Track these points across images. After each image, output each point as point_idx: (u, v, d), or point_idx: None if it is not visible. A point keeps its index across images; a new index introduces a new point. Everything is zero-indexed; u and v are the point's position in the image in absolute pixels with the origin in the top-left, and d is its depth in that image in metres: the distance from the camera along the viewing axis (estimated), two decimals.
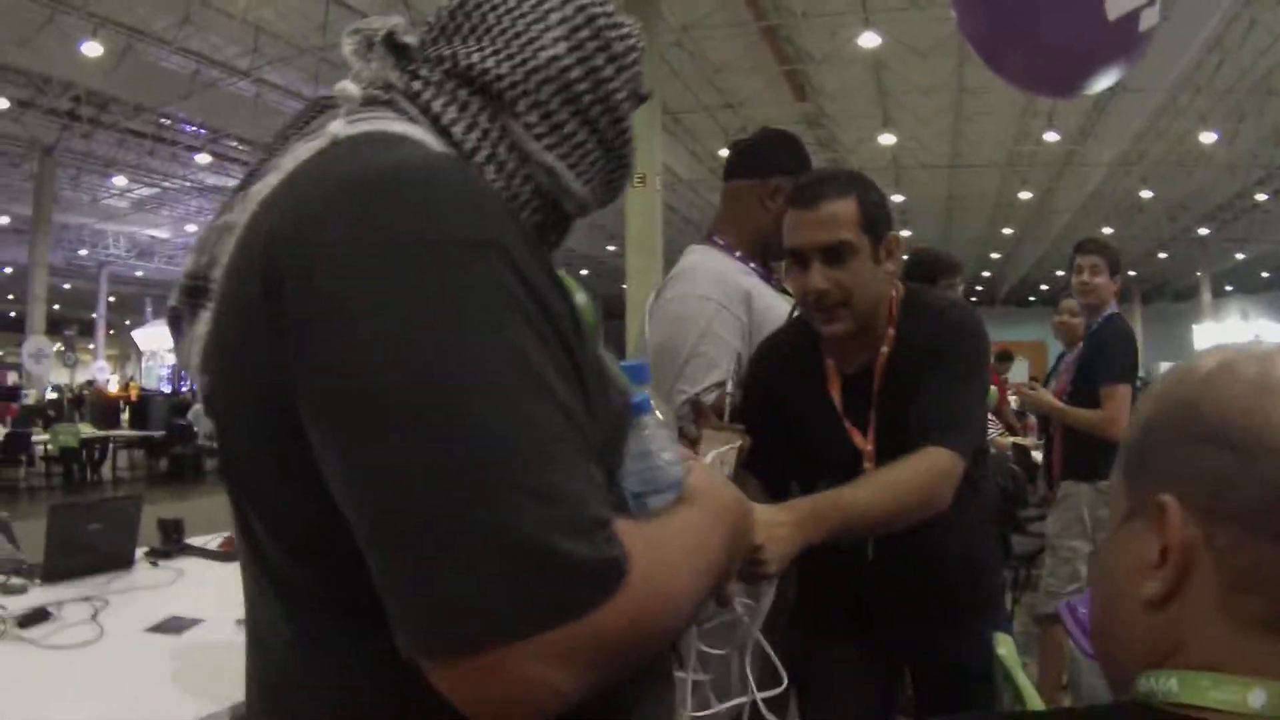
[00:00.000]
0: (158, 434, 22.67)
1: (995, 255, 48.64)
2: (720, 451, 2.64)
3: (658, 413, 1.46)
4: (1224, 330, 35.59)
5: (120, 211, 36.51)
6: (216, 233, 1.41)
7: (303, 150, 1.39)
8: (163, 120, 25.21)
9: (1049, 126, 26.07)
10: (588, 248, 39.30)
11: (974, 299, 60.92)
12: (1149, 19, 4.37)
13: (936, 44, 19.57)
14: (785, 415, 3.03)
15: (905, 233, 39.04)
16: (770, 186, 3.65)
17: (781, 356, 3.17)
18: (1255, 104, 24.21)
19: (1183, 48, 18.75)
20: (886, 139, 27.24)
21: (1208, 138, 26.40)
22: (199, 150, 27.94)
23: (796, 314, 3.23)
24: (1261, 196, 33.53)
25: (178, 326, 1.47)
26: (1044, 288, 56.45)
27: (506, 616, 1.06)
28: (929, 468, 2.68)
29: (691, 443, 2.74)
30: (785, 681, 2.35)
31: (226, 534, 5.02)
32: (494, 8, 1.56)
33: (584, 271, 41.57)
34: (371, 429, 1.12)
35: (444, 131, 1.47)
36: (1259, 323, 36.51)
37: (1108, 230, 38.15)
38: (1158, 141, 27.53)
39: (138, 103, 23.65)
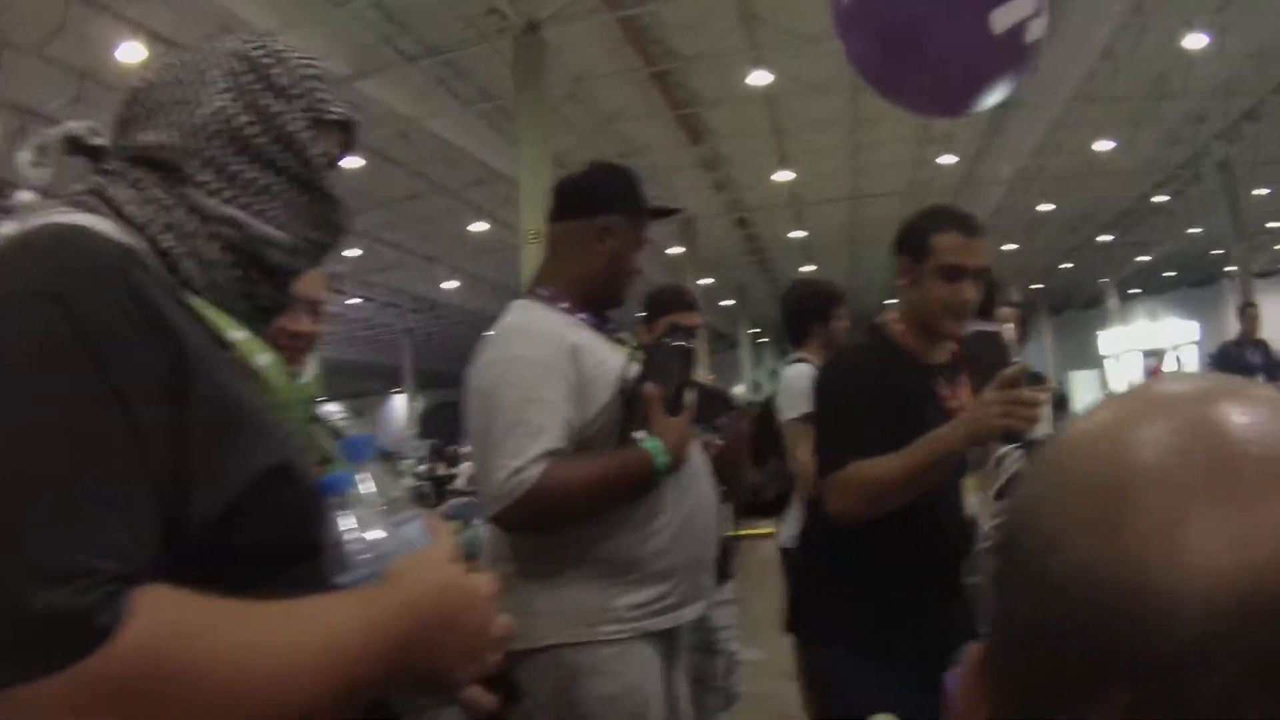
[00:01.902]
0: None
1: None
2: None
3: (361, 490, 1.45)
4: (1132, 333, 36.09)
5: None
6: None
7: None
8: None
9: (945, 150, 26.32)
10: (496, 309, 39.06)
11: None
12: (1036, 30, 4.34)
13: (829, 78, 19.60)
14: (904, 411, 3.47)
15: (810, 266, 39.32)
16: (598, 225, 3.45)
17: (881, 363, 3.70)
18: (1150, 109, 24.55)
19: (1075, 59, 18.95)
20: (784, 175, 27.23)
21: (1104, 146, 26.79)
22: None
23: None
24: (1160, 199, 34.03)
25: None
26: None
27: None
28: None
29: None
30: None
31: None
32: (158, 85, 1.60)
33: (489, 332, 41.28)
34: None
35: (118, 213, 1.49)
36: (1168, 320, 37.06)
37: (1011, 246, 38.54)
38: (1055, 155, 27.81)
39: None
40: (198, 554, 1.24)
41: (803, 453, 5.69)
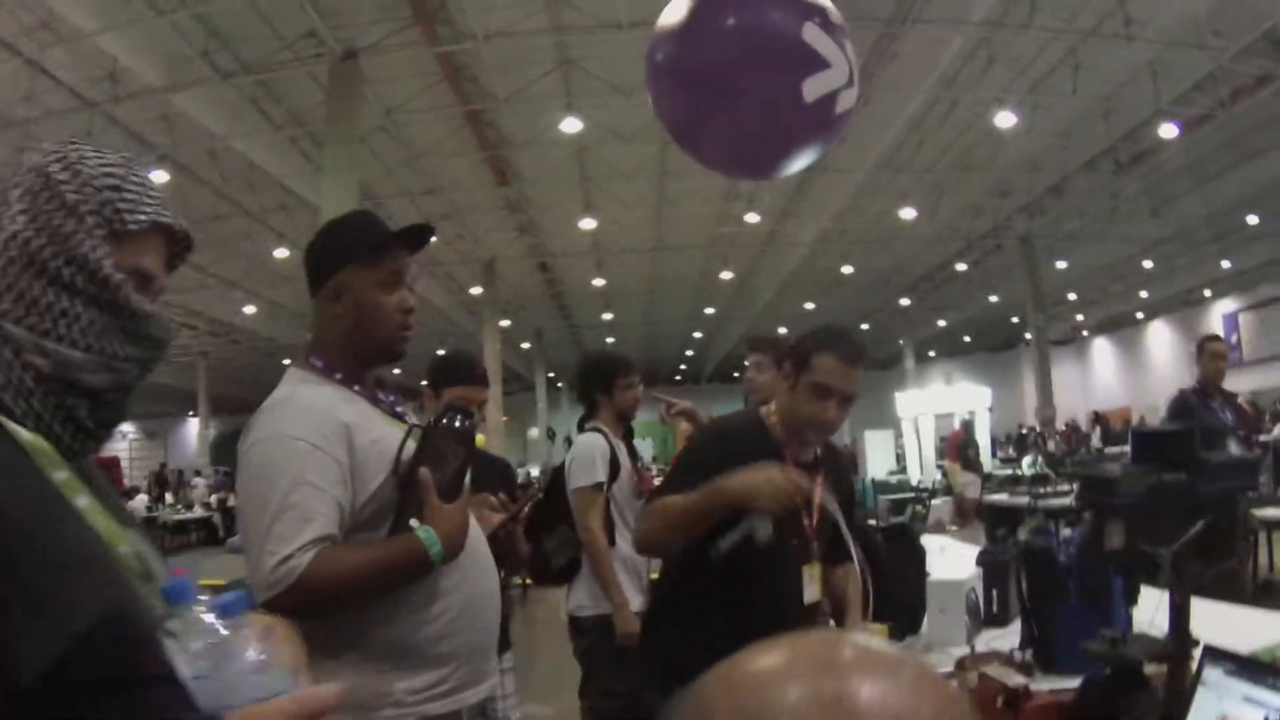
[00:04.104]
0: None
1: (698, 334, 49.50)
2: None
3: (191, 638, 1.34)
4: (927, 395, 36.66)
5: None
6: None
7: None
8: None
9: (750, 208, 26.68)
10: (294, 337, 38.59)
11: (679, 379, 61.97)
12: (846, 100, 4.32)
13: (639, 129, 19.84)
14: None
15: (607, 315, 39.51)
16: (330, 290, 3.23)
17: (741, 444, 4.01)
18: (954, 180, 25.25)
19: (884, 128, 19.32)
20: (588, 223, 27.48)
21: (908, 214, 27.35)
22: None
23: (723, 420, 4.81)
24: (961, 266, 34.92)
25: None
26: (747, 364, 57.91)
27: None
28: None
29: None
30: None
31: None
32: None
33: None
34: None
35: None
36: (962, 384, 37.76)
37: (809, 305, 39.18)
38: (858, 219, 28.47)
39: None
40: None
41: (592, 521, 5.59)
